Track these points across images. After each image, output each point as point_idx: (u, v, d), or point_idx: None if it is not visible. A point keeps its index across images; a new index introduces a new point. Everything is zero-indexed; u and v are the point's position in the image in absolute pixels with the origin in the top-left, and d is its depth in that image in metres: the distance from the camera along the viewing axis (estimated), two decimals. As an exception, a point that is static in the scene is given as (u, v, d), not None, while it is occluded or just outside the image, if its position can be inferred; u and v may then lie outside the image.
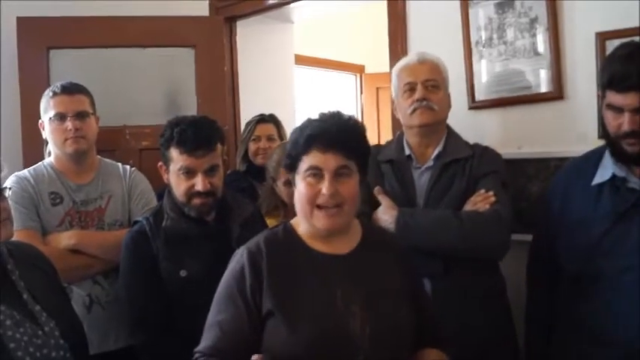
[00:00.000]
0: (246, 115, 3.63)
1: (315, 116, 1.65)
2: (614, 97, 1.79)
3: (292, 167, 1.62)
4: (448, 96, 2.30)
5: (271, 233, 1.68)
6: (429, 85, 2.21)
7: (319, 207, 1.57)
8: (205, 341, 1.59)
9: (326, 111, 1.66)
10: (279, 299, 1.55)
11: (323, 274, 1.60)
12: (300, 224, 1.67)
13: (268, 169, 2.70)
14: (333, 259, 1.62)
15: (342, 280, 1.59)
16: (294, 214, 1.69)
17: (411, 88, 2.22)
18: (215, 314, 1.61)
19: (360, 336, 1.53)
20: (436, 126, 2.24)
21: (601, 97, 1.88)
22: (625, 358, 1.80)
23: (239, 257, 1.62)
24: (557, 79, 2.47)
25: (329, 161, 1.55)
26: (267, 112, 3.34)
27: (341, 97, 6.15)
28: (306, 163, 1.58)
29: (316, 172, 1.56)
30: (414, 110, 2.20)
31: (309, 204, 1.58)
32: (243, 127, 3.46)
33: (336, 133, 1.56)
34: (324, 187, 1.55)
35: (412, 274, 1.74)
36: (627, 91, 1.75)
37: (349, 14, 5.28)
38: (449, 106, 2.30)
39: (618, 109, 1.79)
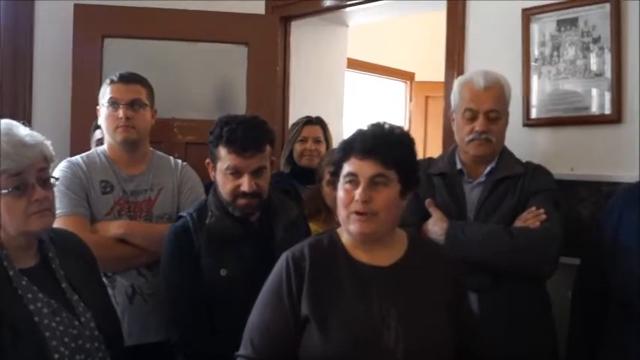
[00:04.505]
0: (294, 116, 3.63)
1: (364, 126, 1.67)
2: None
3: (336, 175, 1.65)
4: (507, 116, 2.27)
5: (316, 240, 1.69)
6: (491, 117, 2.19)
7: (353, 213, 1.58)
8: (248, 345, 1.59)
9: (375, 120, 1.68)
10: (315, 306, 1.56)
11: (362, 284, 1.60)
12: (344, 232, 1.67)
13: (317, 170, 2.72)
14: (374, 271, 1.62)
15: (381, 292, 1.58)
16: (334, 219, 1.69)
17: (472, 116, 2.20)
18: (258, 316, 1.61)
19: (394, 350, 1.52)
20: (491, 156, 2.24)
21: None
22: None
23: (283, 261, 1.63)
24: (617, 101, 2.40)
25: (365, 168, 1.57)
26: (314, 115, 3.33)
27: (389, 103, 6.10)
28: (345, 169, 1.61)
29: (353, 179, 1.58)
30: (472, 140, 2.20)
31: (344, 209, 1.59)
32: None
33: (374, 141, 1.59)
34: (357, 194, 1.56)
35: (459, 288, 1.72)
36: None
37: (403, 21, 5.23)
38: (506, 127, 2.28)
39: None
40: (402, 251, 1.67)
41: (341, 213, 1.62)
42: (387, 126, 1.65)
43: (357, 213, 1.57)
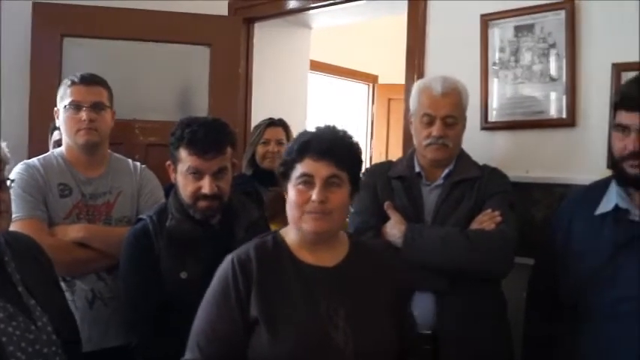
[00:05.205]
0: (257, 117, 3.63)
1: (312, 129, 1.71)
2: (622, 116, 1.82)
3: (285, 175, 1.66)
4: (465, 121, 2.31)
5: (261, 242, 1.70)
6: (448, 122, 2.22)
7: (308, 212, 1.60)
8: (194, 348, 1.59)
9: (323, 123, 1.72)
10: (264, 308, 1.57)
11: (308, 285, 1.62)
12: (289, 233, 1.69)
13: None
14: (319, 271, 1.64)
15: (327, 292, 1.61)
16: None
17: (430, 121, 2.22)
18: (204, 319, 1.61)
19: (343, 350, 1.54)
20: (448, 160, 2.27)
21: (612, 120, 1.91)
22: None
23: (229, 263, 1.63)
24: (571, 106, 2.47)
25: (321, 169, 1.59)
26: (277, 117, 3.33)
27: (352, 105, 6.14)
28: (298, 170, 1.61)
29: (308, 180, 1.60)
30: (429, 144, 2.22)
31: (298, 210, 1.60)
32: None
33: (329, 142, 1.61)
34: (314, 194, 1.58)
35: (401, 289, 1.76)
36: (636, 109, 1.78)
37: (366, 24, 5.27)
38: (463, 132, 2.31)
39: (625, 129, 1.81)
40: (345, 252, 1.70)
41: (293, 214, 1.62)
42: (338, 128, 1.69)
43: (312, 212, 1.59)
